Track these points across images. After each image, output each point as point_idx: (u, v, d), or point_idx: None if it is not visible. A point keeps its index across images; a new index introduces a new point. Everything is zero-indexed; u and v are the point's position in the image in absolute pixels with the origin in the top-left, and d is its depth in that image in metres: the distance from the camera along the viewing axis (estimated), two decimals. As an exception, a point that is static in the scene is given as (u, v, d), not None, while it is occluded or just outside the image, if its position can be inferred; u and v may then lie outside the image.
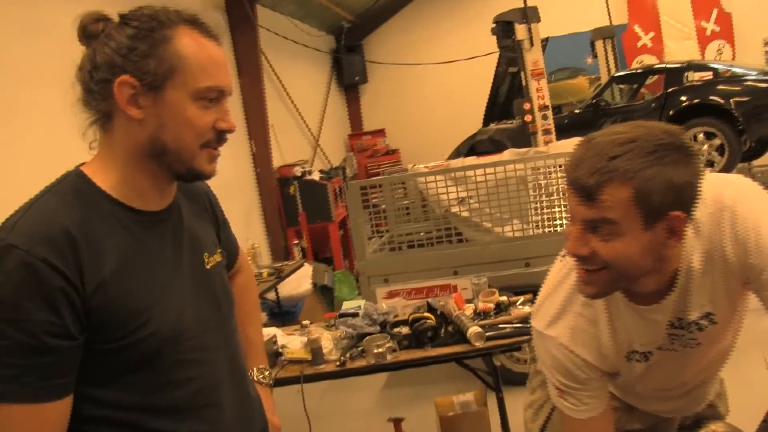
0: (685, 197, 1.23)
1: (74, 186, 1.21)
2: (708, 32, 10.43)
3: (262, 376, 1.58)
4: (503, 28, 7.03)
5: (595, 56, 9.81)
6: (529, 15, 6.89)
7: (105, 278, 1.14)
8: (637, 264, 1.27)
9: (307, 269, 6.68)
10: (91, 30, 1.21)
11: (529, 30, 6.90)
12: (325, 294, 6.60)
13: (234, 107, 7.74)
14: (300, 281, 6.53)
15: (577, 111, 8.40)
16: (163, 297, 1.22)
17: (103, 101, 1.19)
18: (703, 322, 1.41)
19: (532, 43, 6.95)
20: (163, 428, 1.22)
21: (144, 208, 1.26)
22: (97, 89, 1.19)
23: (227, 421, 1.30)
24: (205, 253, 1.39)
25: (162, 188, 1.29)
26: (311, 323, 3.51)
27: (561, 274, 1.49)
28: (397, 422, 3.43)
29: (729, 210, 1.32)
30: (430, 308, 3.20)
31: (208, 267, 1.37)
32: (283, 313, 6.05)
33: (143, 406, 1.20)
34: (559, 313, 1.47)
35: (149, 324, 1.18)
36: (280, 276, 5.57)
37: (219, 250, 1.46)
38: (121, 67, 1.17)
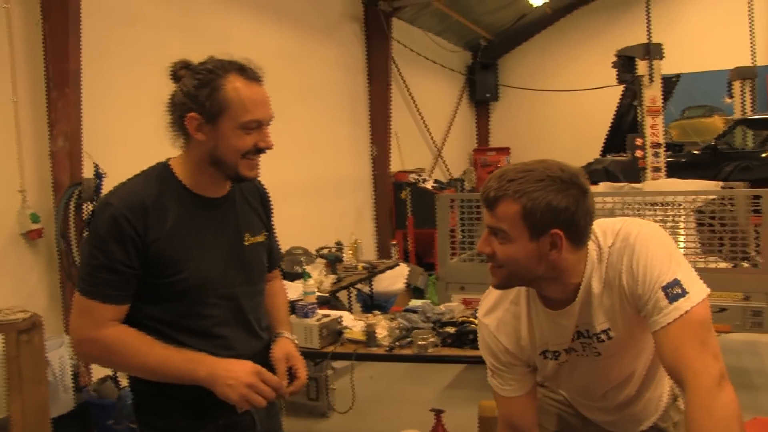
0: (562, 219, 1.56)
1: (158, 172, 1.78)
2: None
3: (288, 335, 2.02)
4: (624, 62, 7.15)
5: (731, 97, 9.57)
6: (651, 51, 6.98)
7: (160, 236, 1.68)
8: (526, 266, 1.61)
9: (404, 269, 7.13)
10: (177, 74, 1.74)
11: (650, 66, 6.98)
12: (416, 294, 7.00)
13: (360, 112, 8.36)
14: (395, 279, 7.00)
15: (695, 152, 8.31)
16: (198, 256, 1.74)
17: (180, 128, 1.74)
18: (602, 336, 1.73)
19: (652, 80, 7.02)
20: (186, 342, 1.73)
21: (202, 194, 1.79)
22: (177, 120, 1.74)
23: (231, 350, 1.78)
24: (247, 233, 1.90)
25: (217, 183, 1.81)
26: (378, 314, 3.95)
27: None
28: (438, 413, 3.78)
29: (630, 247, 1.64)
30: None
31: (246, 243, 1.88)
32: (374, 306, 6.50)
33: (176, 324, 1.74)
34: (493, 306, 1.84)
35: (184, 272, 1.71)
36: (373, 271, 6.06)
37: (263, 234, 1.97)
38: (189, 107, 1.69)
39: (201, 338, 1.76)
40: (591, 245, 1.67)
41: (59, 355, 3.86)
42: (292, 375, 1.91)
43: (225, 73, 1.70)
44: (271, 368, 1.90)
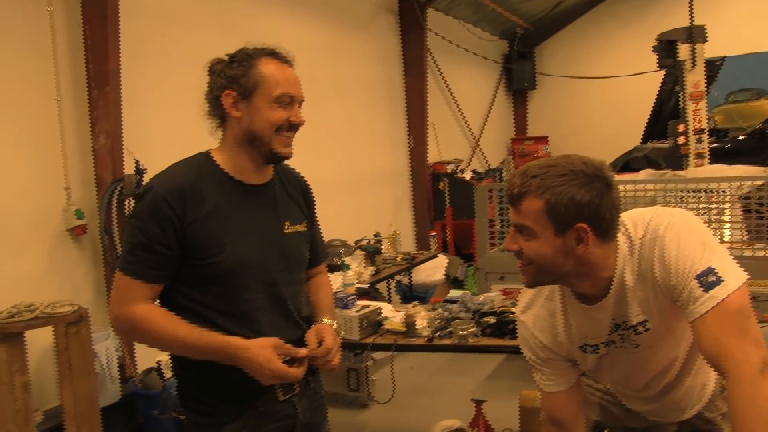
0: (588, 212, 1.55)
1: (199, 160, 1.86)
2: None
3: (329, 320, 2.02)
4: (665, 46, 7.00)
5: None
6: (694, 34, 6.82)
7: (198, 218, 1.76)
8: (554, 263, 1.61)
9: (443, 260, 7.12)
10: (214, 68, 1.85)
11: (693, 50, 6.83)
12: (455, 285, 6.99)
13: (396, 104, 8.36)
14: (434, 270, 7.01)
15: (740, 137, 8.11)
16: (236, 240, 1.80)
17: (218, 109, 1.84)
18: (639, 328, 1.71)
19: (694, 64, 6.88)
20: (223, 325, 1.78)
21: (243, 180, 1.86)
22: (214, 102, 1.84)
23: (264, 334, 1.80)
24: (287, 222, 1.94)
25: (257, 169, 1.88)
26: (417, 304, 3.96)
27: None
28: (478, 403, 3.77)
29: (661, 238, 1.61)
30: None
31: (285, 231, 1.93)
32: (414, 297, 6.52)
33: (213, 306, 1.80)
34: (529, 303, 1.85)
35: (220, 255, 1.78)
36: (412, 262, 6.07)
37: (304, 223, 2.01)
38: (226, 85, 1.81)
39: (239, 322, 1.81)
40: (621, 238, 1.65)
41: (105, 347, 3.96)
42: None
43: (258, 55, 1.82)
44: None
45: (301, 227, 1.99)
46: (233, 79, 1.79)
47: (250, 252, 1.82)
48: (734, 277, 1.55)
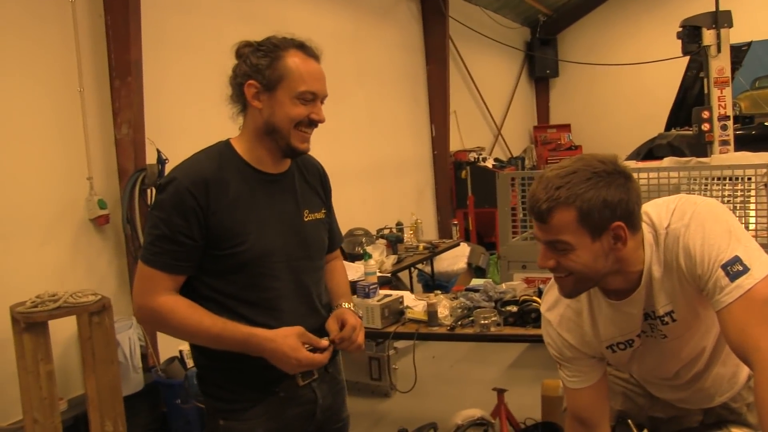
0: (620, 210, 1.52)
1: (220, 149, 1.86)
2: None
3: (347, 305, 2.03)
4: (690, 32, 6.87)
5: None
6: (719, 20, 6.68)
7: (221, 208, 1.75)
8: (594, 268, 1.57)
9: (465, 249, 7.10)
10: (240, 52, 1.83)
11: (718, 35, 6.69)
12: (478, 274, 6.96)
13: (418, 92, 8.33)
14: (456, 259, 6.98)
15: (766, 124, 7.97)
16: (259, 229, 1.80)
17: (240, 96, 1.82)
18: (666, 319, 1.68)
19: (719, 50, 6.74)
20: (246, 314, 1.79)
21: (263, 170, 1.86)
22: (237, 90, 1.82)
23: (287, 324, 1.80)
24: (306, 210, 1.94)
25: (276, 159, 1.87)
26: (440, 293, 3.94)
27: None
28: (500, 392, 3.75)
29: (686, 227, 1.58)
30: (540, 293, 3.50)
31: (305, 219, 1.93)
32: (436, 286, 6.50)
33: (236, 296, 1.80)
34: (555, 302, 1.82)
35: (244, 244, 1.77)
36: (434, 251, 6.05)
37: (323, 211, 2.01)
38: (250, 75, 1.78)
39: (262, 311, 1.81)
40: (645, 228, 1.62)
41: (128, 336, 3.99)
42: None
43: (286, 47, 1.79)
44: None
45: (320, 215, 1.99)
46: (258, 69, 1.77)
47: (272, 241, 1.82)
48: (761, 266, 1.51)
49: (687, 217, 1.58)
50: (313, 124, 1.83)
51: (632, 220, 1.56)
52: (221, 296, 1.80)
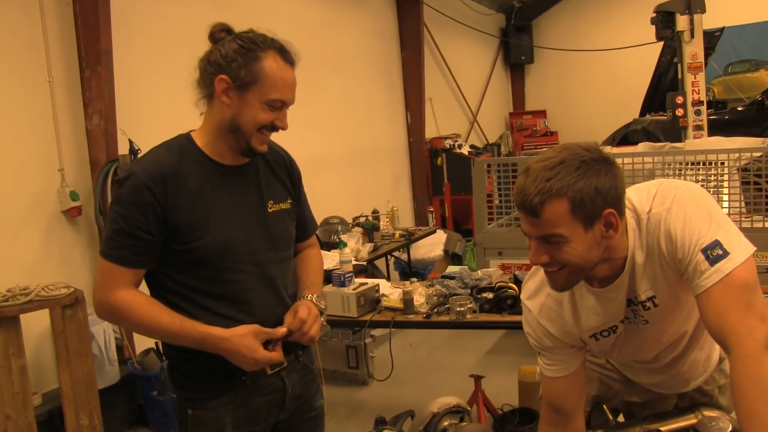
0: (611, 197, 1.51)
1: (180, 142, 1.83)
2: None
3: (310, 296, 2.00)
4: (663, 18, 6.90)
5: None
6: (692, 5, 6.72)
7: (180, 202, 1.74)
8: (588, 258, 1.56)
9: (441, 236, 7.09)
10: (216, 36, 1.78)
11: (691, 21, 6.74)
12: (455, 261, 6.99)
13: (393, 79, 8.30)
14: (433, 246, 6.98)
15: (739, 108, 8.05)
16: (219, 222, 1.79)
17: (209, 86, 1.78)
18: (648, 304, 1.68)
19: (692, 35, 6.79)
20: (212, 308, 1.79)
21: (224, 162, 1.84)
22: (206, 78, 1.77)
23: (254, 315, 1.81)
24: (270, 201, 1.92)
25: (236, 154, 1.83)
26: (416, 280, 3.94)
27: None
28: (477, 379, 3.77)
29: (667, 211, 1.57)
30: (516, 280, 3.52)
31: (269, 210, 1.91)
32: (412, 273, 6.50)
33: (201, 290, 1.80)
34: (535, 290, 1.81)
35: (204, 238, 1.76)
36: (410, 239, 6.05)
37: (289, 201, 1.99)
38: (223, 69, 1.73)
39: (227, 303, 1.81)
40: (627, 213, 1.62)
41: (103, 328, 3.95)
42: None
43: (266, 48, 1.75)
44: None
45: (285, 205, 1.97)
46: (232, 66, 1.72)
47: (234, 234, 1.81)
48: (740, 250, 1.52)
49: (668, 201, 1.58)
50: (275, 129, 1.81)
51: (621, 206, 1.56)
52: (186, 289, 1.79)
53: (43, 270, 4.02)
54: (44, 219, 4.15)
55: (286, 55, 1.77)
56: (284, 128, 1.81)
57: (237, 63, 1.72)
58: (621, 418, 2.13)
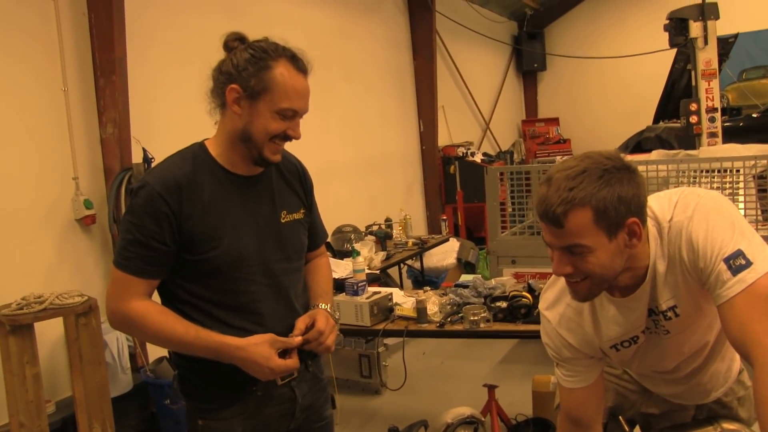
0: (634, 205, 1.49)
1: (194, 151, 1.83)
2: None
3: (324, 305, 2.00)
4: (676, 24, 6.87)
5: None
6: (706, 12, 6.68)
7: (195, 212, 1.73)
8: (612, 268, 1.54)
9: (454, 244, 7.08)
10: (229, 45, 1.78)
11: (705, 28, 6.70)
12: (468, 269, 6.96)
13: (406, 87, 8.31)
14: (446, 255, 6.97)
15: (754, 115, 7.99)
16: (233, 233, 1.78)
17: (221, 96, 1.78)
18: (669, 314, 1.66)
19: (706, 42, 6.75)
20: (223, 319, 1.78)
21: (237, 172, 1.83)
22: (219, 87, 1.77)
23: (266, 326, 1.80)
24: (284, 211, 1.92)
25: (250, 163, 1.83)
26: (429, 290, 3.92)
27: None
28: (491, 388, 3.75)
29: (689, 220, 1.55)
30: (530, 288, 3.50)
31: (282, 221, 1.90)
32: (425, 282, 6.49)
33: (213, 300, 1.79)
34: (554, 300, 1.79)
35: (217, 248, 1.76)
36: (423, 247, 6.03)
37: (302, 211, 1.98)
38: (234, 78, 1.73)
39: (239, 314, 1.81)
40: (648, 222, 1.59)
41: (116, 336, 3.96)
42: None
43: (277, 56, 1.74)
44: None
45: (298, 215, 1.96)
46: (243, 75, 1.72)
47: (247, 244, 1.81)
48: (764, 261, 1.50)
49: (690, 210, 1.56)
50: (288, 139, 1.80)
51: (643, 215, 1.54)
52: (198, 300, 1.79)
53: (57, 278, 4.04)
54: (59, 227, 4.16)
55: (297, 63, 1.76)
56: (297, 137, 1.80)
57: (248, 72, 1.71)
58: (638, 430, 2.10)
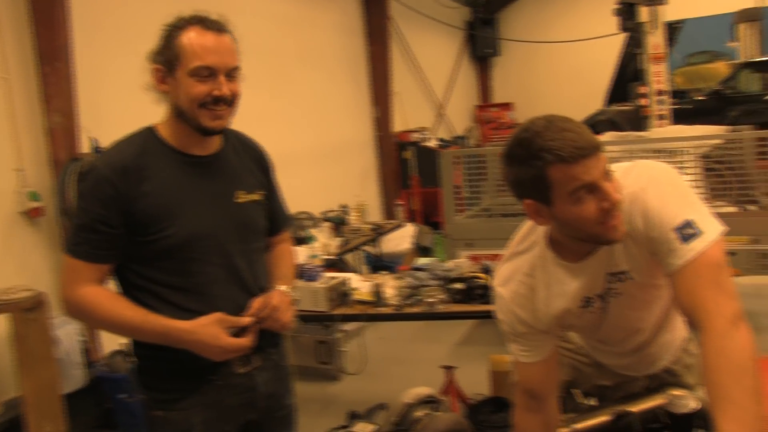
0: None
1: (143, 135, 1.81)
2: None
3: (283, 287, 1.97)
4: (626, 9, 6.99)
5: (734, 41, 9.38)
6: (655, -3, 6.81)
7: (143, 193, 1.71)
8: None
9: (411, 229, 7.11)
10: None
11: (653, 13, 6.82)
12: (423, 254, 6.98)
13: (361, 74, 8.27)
14: (402, 240, 6.99)
15: (700, 98, 8.18)
16: (184, 213, 1.75)
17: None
18: (622, 276, 1.69)
19: (655, 27, 6.87)
20: (177, 302, 1.75)
21: (189, 152, 1.80)
22: (152, 74, 1.77)
23: (218, 308, 1.77)
24: (240, 191, 1.88)
25: (200, 141, 1.80)
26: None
27: (523, 246, 1.81)
28: (449, 370, 3.77)
29: (642, 190, 1.58)
30: (486, 270, 3.52)
31: (238, 201, 1.87)
32: (382, 267, 6.49)
33: (166, 283, 1.76)
34: (508, 277, 1.80)
35: (169, 229, 1.73)
36: (379, 232, 6.04)
37: (259, 192, 1.94)
38: (155, 59, 1.75)
39: (193, 297, 1.77)
40: None
41: (67, 332, 3.86)
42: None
43: (185, 24, 1.73)
44: (270, 335, 1.90)
45: (255, 196, 1.92)
46: (159, 52, 1.73)
47: (201, 224, 1.78)
48: (713, 230, 1.54)
49: (644, 181, 1.59)
50: (218, 100, 1.72)
51: None
52: (152, 284, 1.76)
53: (2, 273, 3.92)
54: (1, 220, 4.04)
55: (205, 23, 1.73)
56: (226, 95, 1.72)
57: (161, 47, 1.73)
58: (595, 402, 2.14)
